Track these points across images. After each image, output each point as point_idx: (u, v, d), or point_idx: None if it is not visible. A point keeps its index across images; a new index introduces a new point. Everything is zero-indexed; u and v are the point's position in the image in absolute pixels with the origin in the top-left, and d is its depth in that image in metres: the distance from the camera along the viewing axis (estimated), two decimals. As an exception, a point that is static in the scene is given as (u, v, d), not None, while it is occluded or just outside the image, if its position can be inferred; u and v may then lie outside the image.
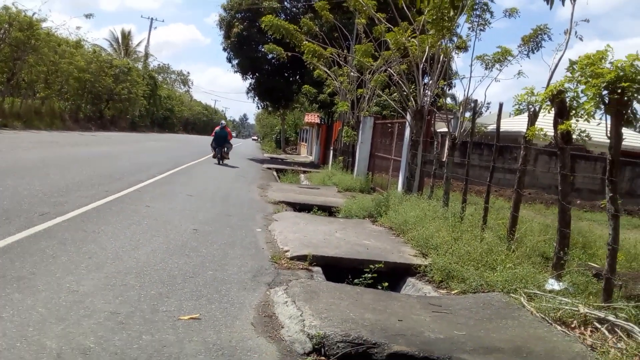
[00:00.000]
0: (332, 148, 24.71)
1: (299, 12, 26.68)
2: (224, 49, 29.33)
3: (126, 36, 67.63)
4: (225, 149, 21.10)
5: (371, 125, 17.01)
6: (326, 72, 18.41)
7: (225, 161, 21.03)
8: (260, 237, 7.53)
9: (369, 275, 5.91)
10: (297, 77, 29.50)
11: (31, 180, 9.56)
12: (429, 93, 11.13)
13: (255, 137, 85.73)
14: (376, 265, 6.13)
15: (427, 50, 10.79)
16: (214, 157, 21.07)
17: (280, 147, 53.91)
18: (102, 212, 7.64)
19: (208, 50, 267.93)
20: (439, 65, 10.73)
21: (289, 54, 14.67)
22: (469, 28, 9.97)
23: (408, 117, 11.57)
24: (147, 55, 67.09)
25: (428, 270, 6.32)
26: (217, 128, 21.01)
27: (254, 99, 32.86)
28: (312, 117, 39.55)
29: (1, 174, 9.85)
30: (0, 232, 5.65)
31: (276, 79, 29.05)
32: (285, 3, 28.54)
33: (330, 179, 17.43)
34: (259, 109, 42.49)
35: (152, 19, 68.86)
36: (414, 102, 11.25)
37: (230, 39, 27.86)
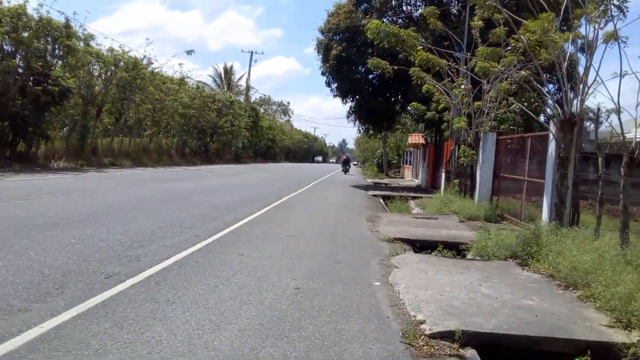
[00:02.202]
0: (443, 170, 22.38)
1: (401, 26, 24.90)
2: (323, 73, 28.30)
3: (228, 71, 69.91)
4: (348, 167, 46.01)
5: (493, 142, 14.70)
6: (436, 86, 16.36)
7: (347, 174, 42.37)
8: (381, 295, 5.72)
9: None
10: (399, 96, 27.65)
11: (114, 226, 8.48)
12: (580, 97, 8.77)
13: (356, 162, 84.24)
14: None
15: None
16: (342, 171, 44.76)
17: (383, 171, 51.81)
18: (185, 268, 6.20)
19: (307, 80, 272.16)
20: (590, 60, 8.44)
21: (395, 67, 12.94)
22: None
23: (552, 127, 9.28)
24: (248, 87, 68.61)
25: (642, 353, 4.14)
26: (344, 157, 50.22)
27: (354, 123, 31.62)
28: (416, 138, 37.24)
29: (84, 221, 8.86)
30: (43, 310, 4.26)
31: (378, 100, 27.31)
32: (384, 19, 26.92)
33: (446, 205, 15.23)
34: (359, 132, 42.59)
35: (252, 52, 70.53)
36: (559, 110, 8.97)
37: (328, 62, 26.72)
